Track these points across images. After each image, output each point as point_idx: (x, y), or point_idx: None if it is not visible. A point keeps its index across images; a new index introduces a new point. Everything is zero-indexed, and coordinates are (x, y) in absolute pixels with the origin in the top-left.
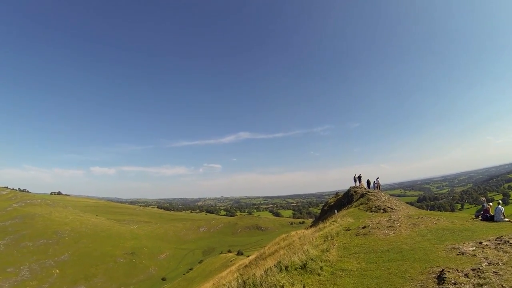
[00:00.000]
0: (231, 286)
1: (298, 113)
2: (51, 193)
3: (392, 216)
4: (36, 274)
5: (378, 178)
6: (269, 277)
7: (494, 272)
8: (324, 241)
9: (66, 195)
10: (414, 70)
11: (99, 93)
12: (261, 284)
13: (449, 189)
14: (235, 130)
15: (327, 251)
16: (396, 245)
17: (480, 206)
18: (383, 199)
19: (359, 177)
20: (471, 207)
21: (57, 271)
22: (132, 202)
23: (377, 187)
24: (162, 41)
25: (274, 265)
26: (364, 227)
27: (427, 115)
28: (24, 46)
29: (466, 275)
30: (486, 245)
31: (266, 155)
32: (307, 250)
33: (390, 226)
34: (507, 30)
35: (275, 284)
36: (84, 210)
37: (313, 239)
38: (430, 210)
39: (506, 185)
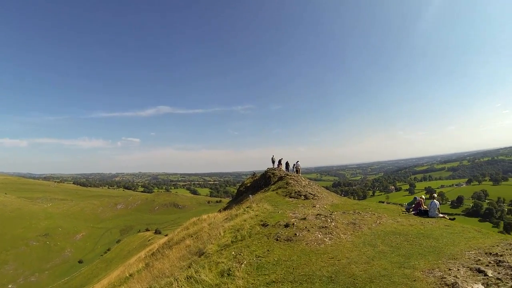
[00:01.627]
0: None
1: (219, 90)
2: None
3: (317, 206)
4: None
5: (298, 161)
6: None
7: None
8: (232, 242)
9: None
10: (337, 61)
11: (6, 52)
12: None
13: (362, 177)
14: (155, 103)
15: (229, 274)
16: (341, 266)
17: (412, 198)
18: (303, 184)
19: (280, 160)
20: (381, 194)
21: None
22: (46, 178)
23: (296, 171)
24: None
25: None
26: (287, 225)
27: (346, 104)
28: None
29: None
30: (498, 278)
31: (185, 131)
32: (198, 271)
33: (323, 227)
34: (428, 33)
35: None
36: None
37: (221, 232)
38: (344, 195)
39: (412, 176)
